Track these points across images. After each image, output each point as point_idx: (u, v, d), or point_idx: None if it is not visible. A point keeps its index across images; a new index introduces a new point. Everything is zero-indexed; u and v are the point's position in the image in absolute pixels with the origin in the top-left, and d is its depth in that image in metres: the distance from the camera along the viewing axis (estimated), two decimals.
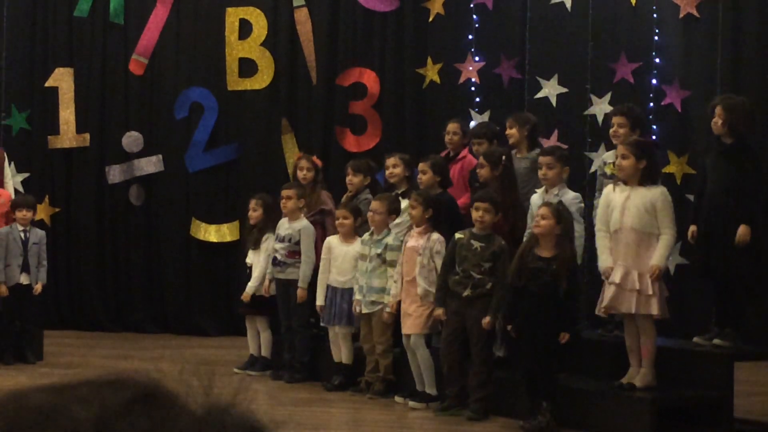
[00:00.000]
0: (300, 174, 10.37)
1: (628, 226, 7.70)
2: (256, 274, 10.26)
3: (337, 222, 9.65)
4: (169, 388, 1.05)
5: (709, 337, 8.14)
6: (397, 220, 9.30)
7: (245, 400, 1.05)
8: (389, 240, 9.07)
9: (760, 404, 8.73)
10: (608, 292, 7.78)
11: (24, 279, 10.66)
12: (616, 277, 7.70)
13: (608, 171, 8.78)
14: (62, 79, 13.25)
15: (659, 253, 7.67)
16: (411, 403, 8.58)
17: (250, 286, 10.28)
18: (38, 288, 10.74)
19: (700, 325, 8.93)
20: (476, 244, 8.28)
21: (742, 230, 7.80)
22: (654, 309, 7.58)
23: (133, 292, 13.20)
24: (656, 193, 7.75)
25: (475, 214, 8.36)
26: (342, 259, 9.53)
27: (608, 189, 7.98)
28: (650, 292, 7.57)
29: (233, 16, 12.99)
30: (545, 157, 8.53)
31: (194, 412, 1.03)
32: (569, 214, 7.93)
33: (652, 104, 11.24)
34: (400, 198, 9.46)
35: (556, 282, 7.69)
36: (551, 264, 7.71)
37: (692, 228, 8.25)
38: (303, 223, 9.97)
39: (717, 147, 8.21)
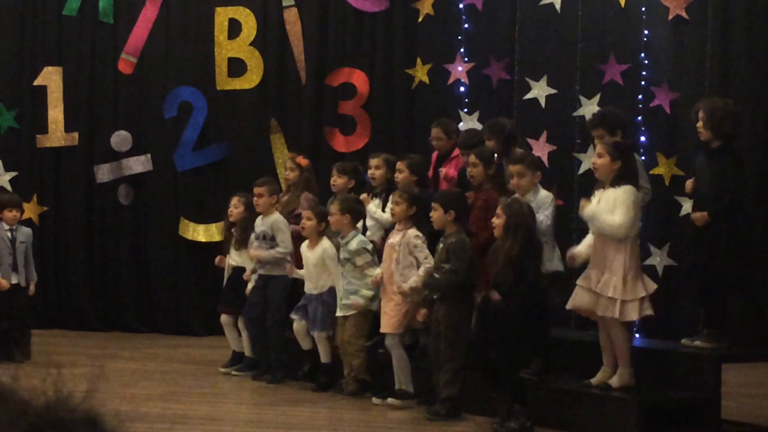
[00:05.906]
0: (284, 173, 10.37)
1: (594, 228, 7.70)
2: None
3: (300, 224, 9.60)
4: (8, 384, 1.14)
5: (696, 339, 8.14)
6: (370, 222, 9.28)
7: (92, 396, 1.14)
8: (353, 245, 8.96)
9: (747, 406, 8.75)
10: (575, 292, 7.77)
11: (13, 278, 10.62)
12: (580, 278, 7.71)
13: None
14: (51, 78, 13.21)
15: (599, 216, 7.47)
16: (390, 400, 8.58)
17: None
18: (33, 289, 10.78)
19: (687, 327, 8.94)
20: (440, 245, 8.26)
21: (700, 215, 7.81)
22: (614, 312, 7.51)
23: (122, 292, 13.18)
24: (618, 191, 7.56)
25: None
26: (305, 265, 9.51)
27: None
28: (610, 294, 7.51)
29: (222, 15, 12.97)
30: (515, 166, 8.23)
31: (33, 403, 1.11)
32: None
33: (641, 106, 11.26)
34: (369, 197, 9.41)
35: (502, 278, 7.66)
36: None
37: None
38: (275, 216, 9.89)
39: (704, 150, 8.21)
